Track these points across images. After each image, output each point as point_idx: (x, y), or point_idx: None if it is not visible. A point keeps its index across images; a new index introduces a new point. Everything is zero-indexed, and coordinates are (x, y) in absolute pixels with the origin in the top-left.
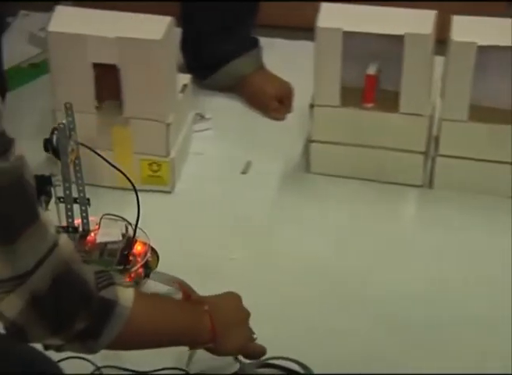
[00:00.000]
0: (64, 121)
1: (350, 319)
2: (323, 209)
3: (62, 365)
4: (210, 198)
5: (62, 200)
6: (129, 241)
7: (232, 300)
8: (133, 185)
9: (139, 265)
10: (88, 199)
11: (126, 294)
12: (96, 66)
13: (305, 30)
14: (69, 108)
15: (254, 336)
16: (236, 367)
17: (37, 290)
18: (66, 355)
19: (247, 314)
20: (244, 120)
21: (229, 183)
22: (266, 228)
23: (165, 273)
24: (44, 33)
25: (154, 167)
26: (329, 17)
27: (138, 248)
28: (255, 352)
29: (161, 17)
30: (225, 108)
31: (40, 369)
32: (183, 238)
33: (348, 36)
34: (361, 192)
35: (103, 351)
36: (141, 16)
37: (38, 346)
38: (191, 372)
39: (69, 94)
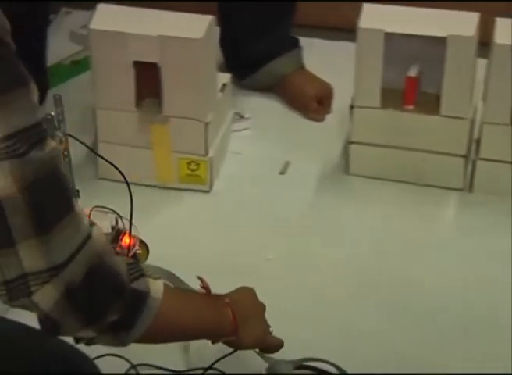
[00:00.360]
0: (52, 113)
1: (386, 321)
2: (361, 211)
3: (97, 362)
4: (248, 198)
5: None
6: (117, 234)
7: (247, 294)
8: (124, 178)
9: (125, 257)
10: (78, 191)
11: (156, 286)
12: (136, 64)
13: (346, 30)
14: (58, 100)
15: (270, 329)
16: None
17: (72, 281)
18: (102, 353)
19: (263, 307)
20: (283, 120)
21: (267, 184)
22: (303, 229)
23: (158, 267)
24: (86, 30)
25: (193, 166)
26: (371, 18)
27: (127, 240)
28: (274, 345)
29: (202, 16)
30: (264, 108)
31: (78, 368)
32: (220, 238)
33: (390, 37)
34: (400, 195)
35: (138, 349)
36: (182, 14)
37: (70, 340)
38: (227, 372)
39: (109, 92)
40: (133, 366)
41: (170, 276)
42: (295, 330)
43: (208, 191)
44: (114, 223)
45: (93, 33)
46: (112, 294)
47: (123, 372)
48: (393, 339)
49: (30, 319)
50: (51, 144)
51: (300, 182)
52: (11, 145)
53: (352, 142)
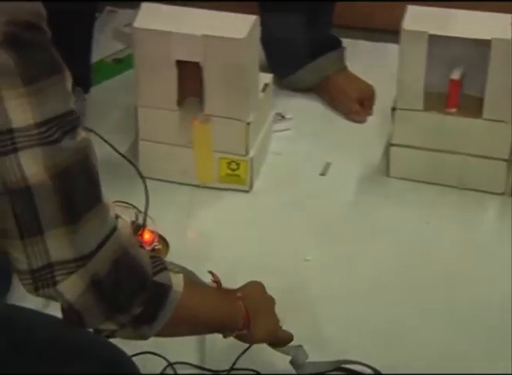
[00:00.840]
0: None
1: (426, 324)
2: (401, 214)
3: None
4: (287, 199)
5: None
6: (136, 229)
7: (257, 288)
8: (139, 172)
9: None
10: None
11: (177, 280)
12: (179, 62)
13: (389, 32)
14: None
15: (281, 323)
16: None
17: (97, 272)
18: (138, 351)
19: (273, 301)
20: (324, 121)
21: (307, 184)
22: (343, 230)
23: (175, 263)
24: (130, 29)
25: (233, 166)
26: (415, 20)
27: (146, 236)
28: (284, 338)
29: (245, 16)
30: (305, 108)
31: (119, 367)
32: (259, 238)
33: (433, 39)
34: (441, 198)
35: (173, 347)
36: (226, 14)
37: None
38: (262, 372)
39: (151, 90)
40: (170, 365)
41: (184, 271)
42: (332, 332)
43: (247, 191)
44: (134, 219)
45: (137, 31)
46: (137, 286)
47: (159, 370)
48: (435, 343)
49: None
50: (83, 134)
51: (340, 183)
52: (44, 132)
53: (393, 144)
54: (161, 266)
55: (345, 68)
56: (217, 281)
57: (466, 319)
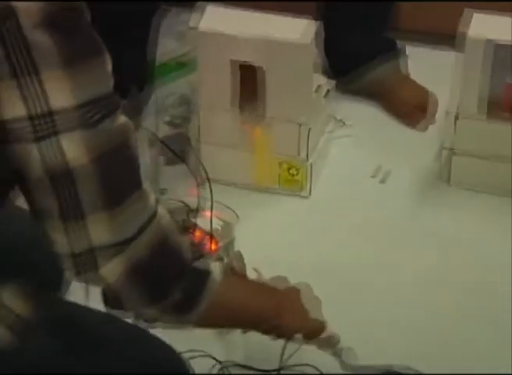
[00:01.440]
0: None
1: (478, 333)
2: (459, 223)
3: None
4: (346, 205)
5: None
6: (186, 228)
7: (304, 289)
8: (206, 174)
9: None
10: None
11: (215, 267)
12: (242, 66)
13: (451, 37)
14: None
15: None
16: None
17: (139, 257)
18: (188, 349)
19: (319, 301)
20: (385, 128)
21: (366, 191)
22: (400, 237)
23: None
24: (193, 31)
25: (293, 171)
26: (480, 27)
27: (197, 234)
28: (317, 327)
29: (308, 21)
30: (366, 115)
31: (174, 369)
32: (317, 243)
33: (498, 47)
34: (502, 208)
35: (223, 347)
36: (289, 18)
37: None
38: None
39: (213, 93)
40: (224, 367)
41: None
42: (383, 336)
43: (306, 197)
44: (185, 217)
45: (200, 34)
46: (177, 271)
47: (209, 370)
48: (484, 352)
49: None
50: (123, 118)
51: (399, 190)
52: (84, 114)
53: (454, 152)
54: (200, 253)
55: (405, 75)
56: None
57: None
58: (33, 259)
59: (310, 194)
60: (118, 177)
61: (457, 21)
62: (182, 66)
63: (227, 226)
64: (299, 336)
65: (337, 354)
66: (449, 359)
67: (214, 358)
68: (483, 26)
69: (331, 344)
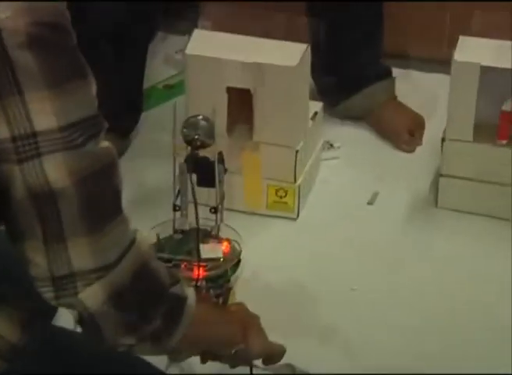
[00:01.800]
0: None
1: (477, 356)
2: (450, 246)
3: None
4: (334, 227)
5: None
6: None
7: (242, 306)
8: (194, 197)
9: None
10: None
11: (190, 293)
12: (230, 89)
13: (441, 62)
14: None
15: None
16: None
17: (119, 283)
18: None
19: (259, 317)
20: (373, 150)
21: (354, 213)
22: (389, 260)
23: None
24: (181, 55)
25: (281, 193)
26: (466, 51)
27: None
28: (278, 351)
29: (296, 44)
30: (354, 137)
31: None
32: (305, 265)
33: (485, 70)
34: (491, 230)
35: None
36: (277, 42)
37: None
38: None
39: None
40: None
41: None
42: (378, 363)
43: (294, 219)
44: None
45: (189, 58)
46: (156, 297)
47: None
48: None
49: None
50: (107, 143)
51: (388, 213)
52: (67, 136)
53: (442, 175)
54: (176, 278)
55: (395, 97)
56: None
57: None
58: (26, 284)
59: (298, 216)
60: (100, 201)
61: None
62: (170, 89)
63: (234, 251)
64: (259, 360)
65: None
66: (448, 359)
67: None
68: (470, 49)
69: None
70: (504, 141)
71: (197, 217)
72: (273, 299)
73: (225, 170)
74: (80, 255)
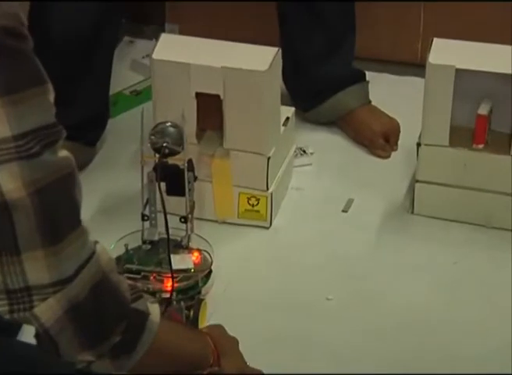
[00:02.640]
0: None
1: (451, 368)
2: (426, 253)
3: None
4: (308, 236)
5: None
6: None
7: (219, 328)
8: (164, 207)
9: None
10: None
11: (154, 309)
12: (199, 95)
13: (414, 65)
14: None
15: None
16: None
17: (76, 298)
18: None
19: (237, 340)
20: (347, 156)
21: (328, 221)
22: (365, 269)
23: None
24: (148, 60)
25: (253, 201)
26: (441, 53)
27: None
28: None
29: (266, 48)
30: (327, 143)
31: None
32: (278, 275)
33: (460, 73)
34: (468, 237)
35: None
36: (247, 45)
37: None
38: None
39: None
40: None
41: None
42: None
43: (267, 228)
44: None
45: (155, 63)
46: (116, 313)
47: None
48: None
49: None
50: (65, 152)
51: (363, 221)
52: (22, 145)
53: (418, 181)
54: (139, 294)
55: (369, 102)
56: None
57: (496, 364)
58: None
59: (271, 225)
60: (57, 213)
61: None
62: (137, 95)
63: (205, 261)
64: None
65: None
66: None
67: None
68: (445, 51)
69: None
70: (481, 146)
71: (166, 227)
72: (247, 310)
73: (195, 178)
74: (36, 268)
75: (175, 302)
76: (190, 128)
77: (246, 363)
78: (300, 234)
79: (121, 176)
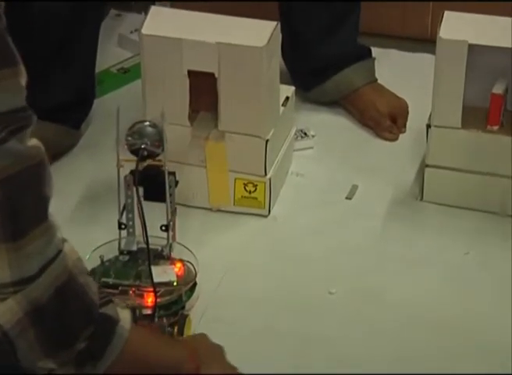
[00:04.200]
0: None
1: (463, 366)
2: (435, 243)
3: None
4: (310, 225)
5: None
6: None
7: (201, 336)
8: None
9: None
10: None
11: (124, 314)
12: (191, 73)
13: (424, 40)
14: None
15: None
16: None
17: (39, 300)
18: None
19: (222, 348)
20: (351, 139)
21: (331, 209)
22: (370, 261)
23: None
24: (137, 35)
25: (250, 187)
26: (453, 28)
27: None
28: None
29: (264, 22)
30: (330, 124)
31: None
32: (277, 267)
33: (473, 49)
34: (480, 226)
35: None
36: (243, 19)
37: None
38: None
39: (161, 103)
40: None
41: None
42: (358, 371)
43: (265, 216)
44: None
45: (145, 38)
46: (83, 317)
47: None
48: None
49: None
50: (34, 140)
51: (368, 208)
52: None
53: (428, 165)
54: (108, 298)
55: (375, 80)
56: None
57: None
58: None
59: (269, 212)
60: (22, 206)
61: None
62: (125, 72)
63: (188, 273)
64: None
65: None
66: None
67: None
68: (457, 26)
69: None
70: (495, 127)
71: (145, 236)
72: (243, 304)
73: (177, 183)
74: None
75: (157, 319)
76: (183, 109)
77: (233, 370)
78: (301, 223)
79: (107, 160)
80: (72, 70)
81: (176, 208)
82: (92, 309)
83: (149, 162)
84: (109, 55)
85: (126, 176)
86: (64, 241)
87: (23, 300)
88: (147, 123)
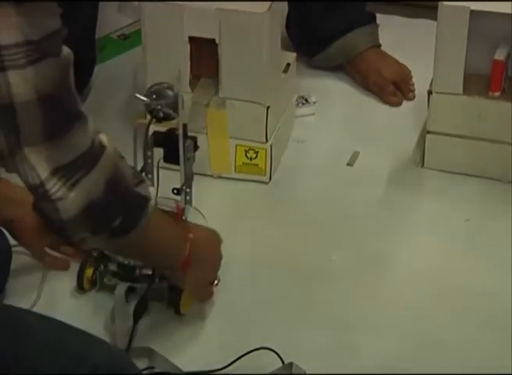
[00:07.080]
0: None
1: (463, 331)
2: (437, 210)
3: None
4: (311, 191)
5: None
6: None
7: (213, 239)
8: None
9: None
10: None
11: (152, 195)
12: (192, 39)
13: (426, 7)
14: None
15: (217, 281)
16: None
17: (93, 192)
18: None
19: (220, 257)
20: (353, 105)
21: (332, 176)
22: (371, 228)
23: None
24: (137, 1)
25: (251, 154)
26: None
27: None
28: (205, 294)
29: None
30: (332, 91)
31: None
32: (278, 234)
33: (475, 15)
34: (482, 192)
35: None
36: None
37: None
38: None
39: (162, 70)
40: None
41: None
42: (358, 337)
43: (266, 183)
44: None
45: (145, 4)
46: (122, 197)
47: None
48: (473, 350)
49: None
50: (66, 49)
51: (369, 175)
52: (31, 50)
53: (429, 132)
54: (141, 178)
55: (379, 45)
56: (178, 213)
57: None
58: None
59: (270, 179)
60: (60, 109)
61: None
62: (125, 39)
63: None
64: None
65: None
66: (432, 361)
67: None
68: None
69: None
70: (497, 93)
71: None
72: (243, 271)
73: (197, 148)
74: (39, 163)
75: (157, 280)
76: (184, 76)
77: (214, 281)
78: (302, 190)
79: (109, 128)
80: (73, 35)
81: (192, 173)
82: (129, 189)
83: (171, 124)
84: (109, 21)
85: (145, 139)
86: (98, 132)
87: (81, 193)
88: (165, 85)
